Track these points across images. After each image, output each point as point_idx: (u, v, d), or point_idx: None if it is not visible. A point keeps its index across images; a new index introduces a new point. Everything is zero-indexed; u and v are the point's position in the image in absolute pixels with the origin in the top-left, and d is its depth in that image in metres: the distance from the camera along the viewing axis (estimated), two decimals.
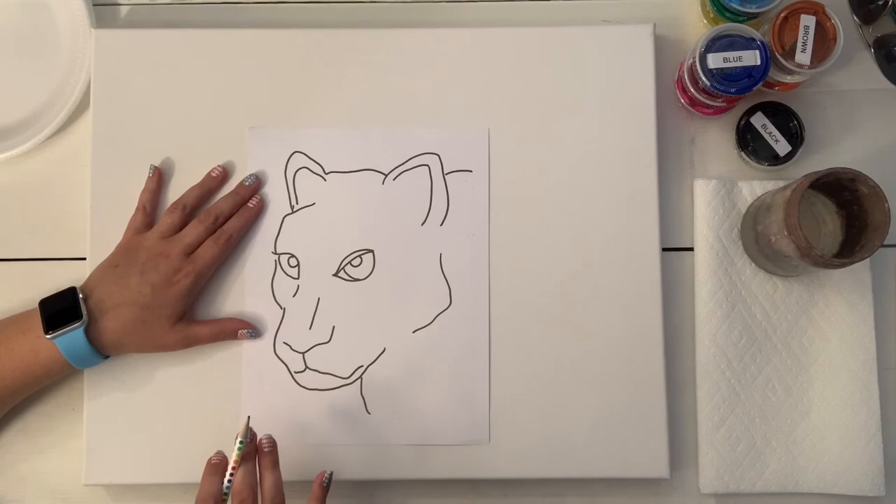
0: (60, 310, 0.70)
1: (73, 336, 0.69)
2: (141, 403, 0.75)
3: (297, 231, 0.76)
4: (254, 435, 0.67)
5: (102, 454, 0.74)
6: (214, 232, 0.74)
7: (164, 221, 0.74)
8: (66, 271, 0.77)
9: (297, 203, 0.77)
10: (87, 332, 0.69)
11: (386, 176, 0.77)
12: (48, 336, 0.69)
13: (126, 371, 0.75)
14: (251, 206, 0.76)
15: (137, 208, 0.76)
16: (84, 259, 0.76)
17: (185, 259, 0.73)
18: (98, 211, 0.77)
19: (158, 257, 0.72)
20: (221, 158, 0.77)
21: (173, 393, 0.75)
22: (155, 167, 0.77)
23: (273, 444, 0.67)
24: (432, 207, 0.77)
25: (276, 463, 0.66)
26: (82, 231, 0.77)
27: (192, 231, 0.74)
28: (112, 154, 0.77)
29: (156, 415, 0.75)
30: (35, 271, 0.78)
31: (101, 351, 0.71)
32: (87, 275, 0.74)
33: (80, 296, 0.70)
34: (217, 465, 0.65)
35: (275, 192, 0.77)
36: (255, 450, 0.67)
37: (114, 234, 0.75)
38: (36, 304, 0.71)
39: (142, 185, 0.76)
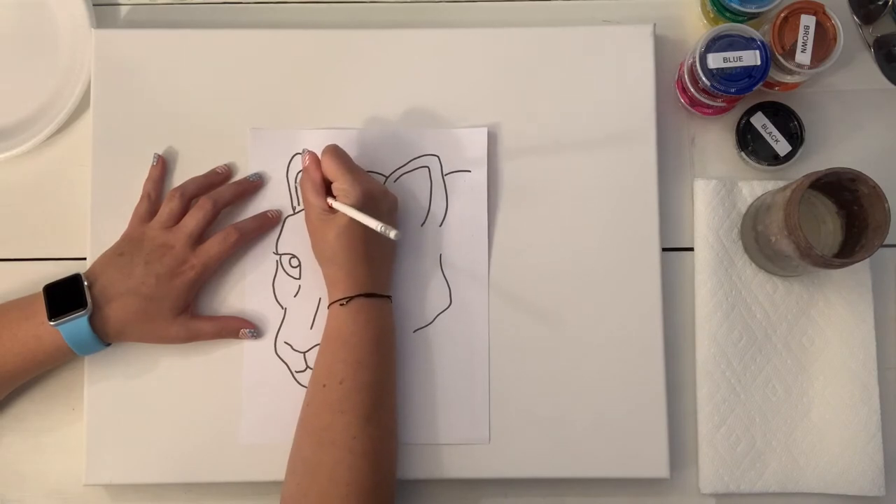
0: (65, 296, 0.70)
1: (76, 324, 0.69)
2: (141, 404, 0.75)
3: (299, 232, 0.76)
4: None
5: (102, 454, 0.74)
6: (214, 216, 0.74)
7: (164, 211, 0.74)
8: (65, 271, 0.76)
9: (298, 204, 0.77)
10: (90, 320, 0.69)
11: (387, 178, 0.77)
12: (52, 323, 0.69)
13: (126, 372, 0.75)
14: (270, 216, 0.76)
15: (142, 196, 0.75)
16: (84, 259, 0.76)
17: (191, 251, 0.72)
18: (98, 211, 0.76)
19: (163, 248, 0.72)
20: (223, 159, 0.77)
21: (173, 393, 0.75)
22: (158, 155, 0.76)
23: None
24: (432, 208, 0.77)
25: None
26: (82, 231, 0.77)
27: (192, 219, 0.73)
28: (112, 154, 0.77)
29: (156, 415, 0.75)
30: (35, 271, 0.78)
31: (103, 339, 0.71)
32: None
33: (86, 283, 0.70)
34: None
35: (277, 194, 0.77)
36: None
37: (114, 235, 0.75)
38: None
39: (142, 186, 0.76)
